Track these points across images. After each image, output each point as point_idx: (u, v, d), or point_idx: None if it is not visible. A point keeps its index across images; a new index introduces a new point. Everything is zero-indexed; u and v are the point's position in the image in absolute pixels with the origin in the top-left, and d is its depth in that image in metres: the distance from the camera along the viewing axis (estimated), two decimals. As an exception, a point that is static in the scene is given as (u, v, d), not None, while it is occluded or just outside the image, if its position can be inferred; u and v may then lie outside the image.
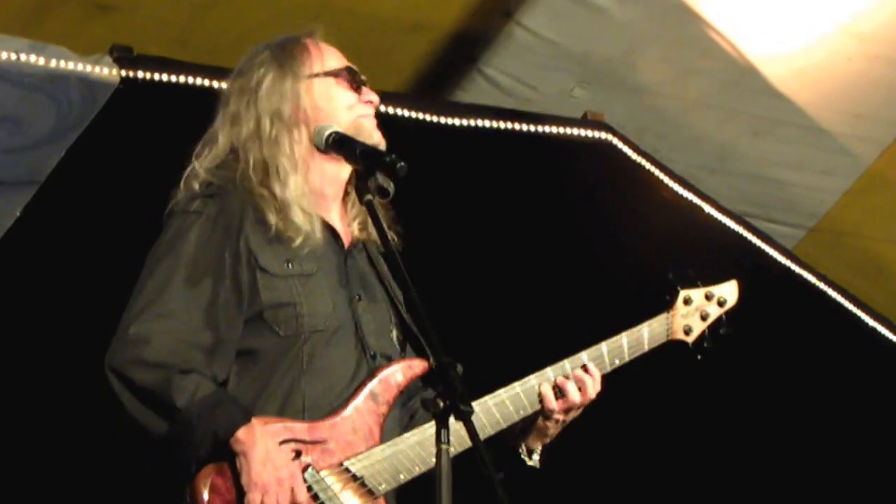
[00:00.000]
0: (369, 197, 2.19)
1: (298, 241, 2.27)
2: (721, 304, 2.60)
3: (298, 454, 2.22)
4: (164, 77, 3.34)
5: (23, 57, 3.16)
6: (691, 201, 4.16)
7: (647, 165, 4.09)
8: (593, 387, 2.41)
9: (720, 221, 4.22)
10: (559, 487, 3.46)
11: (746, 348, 4.18)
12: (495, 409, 2.36)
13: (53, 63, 3.18)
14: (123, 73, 3.27)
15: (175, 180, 2.78)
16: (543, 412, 2.40)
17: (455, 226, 3.83)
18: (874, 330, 4.44)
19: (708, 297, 2.59)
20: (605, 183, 4.07)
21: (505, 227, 3.97)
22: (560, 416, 2.41)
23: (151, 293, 2.26)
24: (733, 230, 4.24)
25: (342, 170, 2.33)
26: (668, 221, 4.11)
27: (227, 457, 2.19)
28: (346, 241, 2.37)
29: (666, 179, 4.12)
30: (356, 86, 2.37)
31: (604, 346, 2.46)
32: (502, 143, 3.89)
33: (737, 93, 4.01)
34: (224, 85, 2.52)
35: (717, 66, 3.91)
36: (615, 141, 4.04)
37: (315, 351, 2.27)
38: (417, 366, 2.32)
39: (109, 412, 3.31)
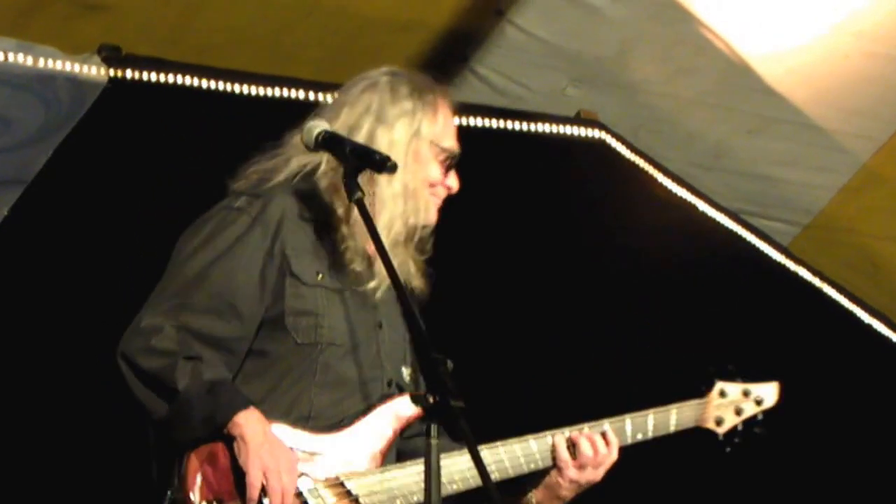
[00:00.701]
0: (359, 195, 2.17)
1: (330, 268, 2.27)
2: (758, 402, 2.61)
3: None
4: (153, 76, 3.30)
5: (11, 57, 3.12)
6: (686, 199, 4.12)
7: (642, 163, 4.05)
8: (607, 451, 2.39)
9: (715, 219, 4.17)
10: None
11: (742, 344, 4.15)
12: (505, 456, 2.34)
13: (42, 63, 3.14)
14: (112, 72, 3.23)
15: (162, 180, 2.72)
16: (556, 466, 2.38)
17: (447, 225, 3.77)
18: (870, 326, 4.40)
19: (745, 394, 2.60)
20: (600, 181, 4.03)
21: (498, 227, 3.93)
22: (572, 475, 2.38)
23: (176, 285, 2.25)
24: (728, 227, 4.20)
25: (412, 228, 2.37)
26: (663, 219, 4.07)
27: (223, 441, 2.16)
28: (380, 274, 2.37)
29: (660, 177, 4.08)
30: (447, 168, 2.43)
31: (627, 419, 2.45)
32: (495, 142, 3.85)
33: (731, 91, 3.95)
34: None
35: (711, 64, 3.85)
36: (609, 139, 3.99)
37: (329, 363, 2.27)
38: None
39: (99, 406, 3.28)
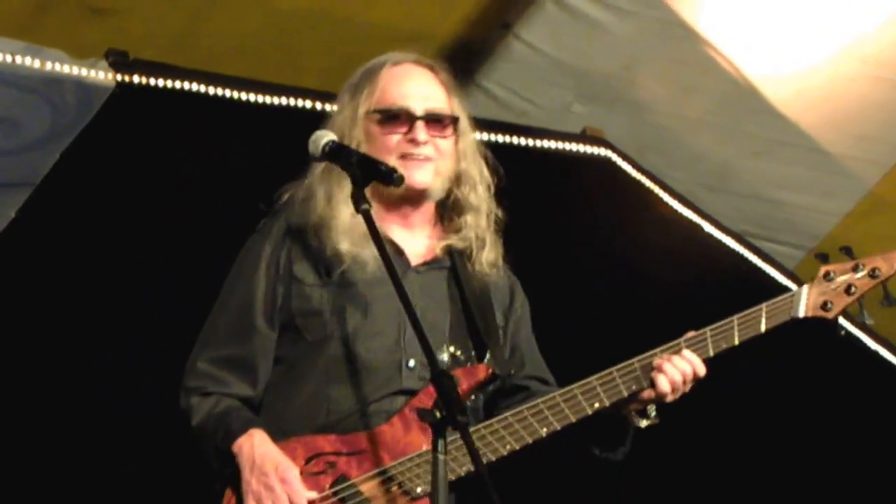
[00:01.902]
0: (366, 206, 2.24)
1: (339, 266, 2.35)
2: (874, 275, 2.43)
3: (332, 465, 2.28)
4: (160, 82, 3.42)
5: (18, 59, 3.25)
6: (691, 219, 4.22)
7: (647, 182, 4.15)
8: (683, 384, 2.36)
9: (720, 240, 4.27)
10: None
11: (747, 369, 4.24)
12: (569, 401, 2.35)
13: (49, 66, 3.26)
14: (119, 77, 3.36)
15: (167, 184, 2.84)
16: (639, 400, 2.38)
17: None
18: (876, 353, 4.46)
19: (855, 269, 2.43)
20: (604, 199, 4.12)
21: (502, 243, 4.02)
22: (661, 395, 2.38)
23: (211, 317, 2.43)
24: (734, 249, 4.29)
25: (410, 197, 2.39)
26: (667, 239, 4.14)
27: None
28: (417, 257, 2.42)
29: (665, 197, 4.17)
30: (406, 125, 2.41)
31: (707, 331, 2.40)
32: (500, 156, 3.95)
33: (737, 112, 4.04)
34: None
35: (716, 84, 3.94)
36: (614, 157, 4.09)
37: (342, 356, 2.35)
38: (479, 372, 2.35)
39: (104, 404, 3.39)
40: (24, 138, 3.33)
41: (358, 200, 2.26)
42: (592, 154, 4.08)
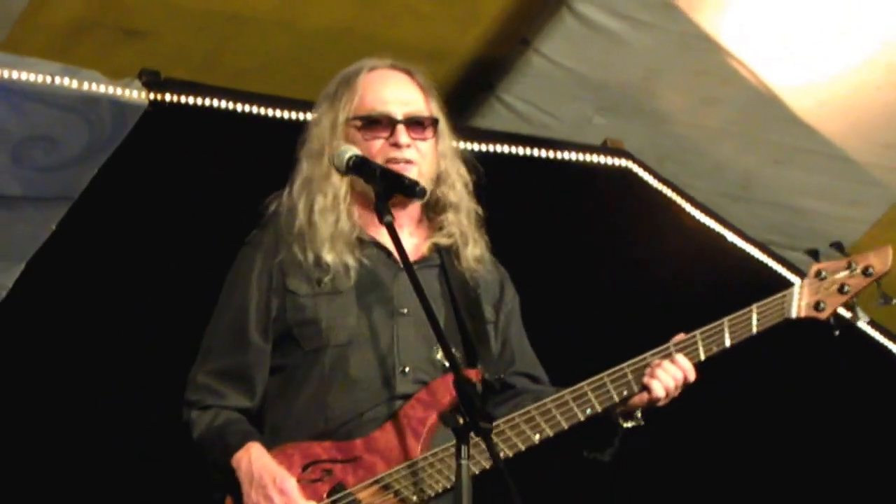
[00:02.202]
0: (389, 218, 2.33)
1: (329, 274, 2.44)
2: (867, 273, 2.42)
3: (329, 472, 2.36)
4: (191, 100, 3.58)
5: (57, 80, 3.42)
6: (714, 229, 4.27)
7: (669, 193, 4.21)
8: (681, 378, 2.40)
9: (744, 250, 4.32)
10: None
11: (770, 376, 4.32)
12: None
13: (86, 86, 3.43)
14: (152, 95, 3.52)
15: (199, 198, 3.00)
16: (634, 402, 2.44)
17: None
18: (881, 345, 4.50)
19: (849, 268, 2.43)
20: (625, 210, 4.18)
21: (523, 255, 4.12)
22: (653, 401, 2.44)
23: (208, 330, 2.52)
24: (757, 259, 4.34)
25: (397, 200, 2.42)
26: (689, 249, 4.19)
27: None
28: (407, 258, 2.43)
29: (688, 207, 4.23)
30: (387, 130, 2.48)
31: (698, 334, 2.43)
32: (521, 169, 4.07)
33: (759, 121, 4.09)
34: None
35: (738, 93, 4.00)
36: (635, 168, 4.16)
37: (338, 364, 2.42)
38: (470, 376, 2.38)
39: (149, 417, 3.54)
40: (63, 155, 3.49)
41: (382, 213, 2.35)
42: (613, 165, 4.15)
